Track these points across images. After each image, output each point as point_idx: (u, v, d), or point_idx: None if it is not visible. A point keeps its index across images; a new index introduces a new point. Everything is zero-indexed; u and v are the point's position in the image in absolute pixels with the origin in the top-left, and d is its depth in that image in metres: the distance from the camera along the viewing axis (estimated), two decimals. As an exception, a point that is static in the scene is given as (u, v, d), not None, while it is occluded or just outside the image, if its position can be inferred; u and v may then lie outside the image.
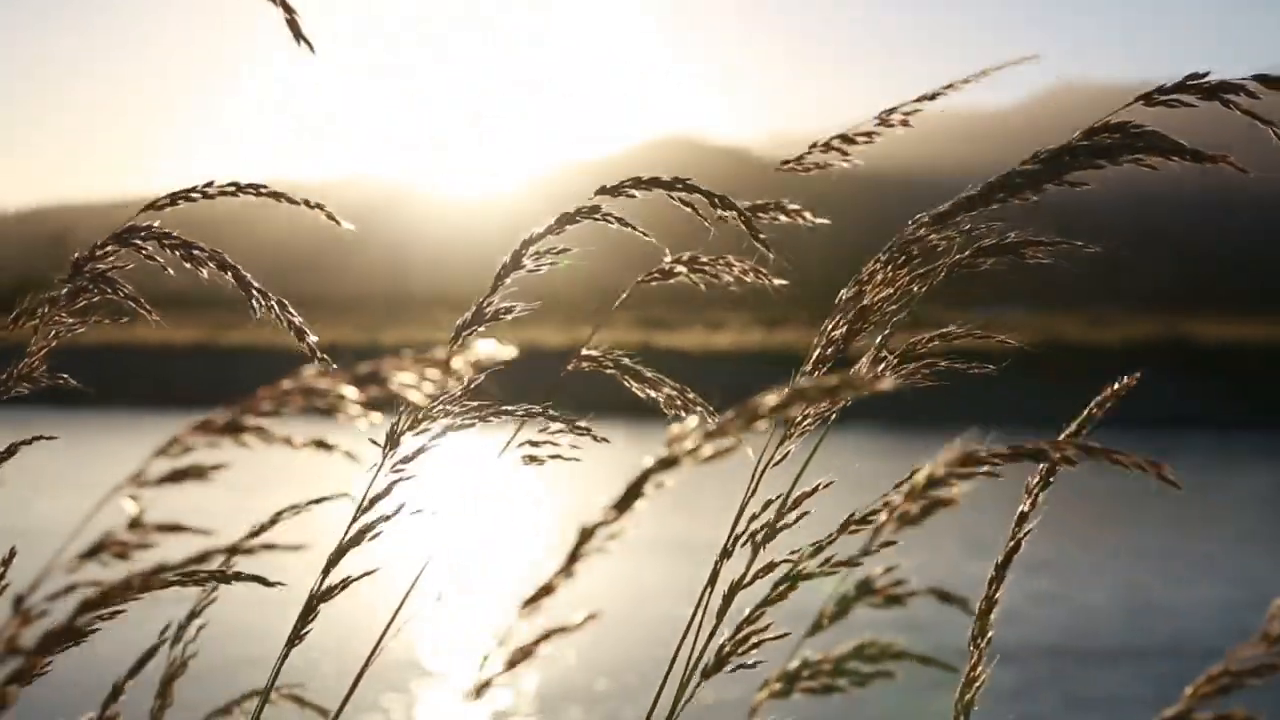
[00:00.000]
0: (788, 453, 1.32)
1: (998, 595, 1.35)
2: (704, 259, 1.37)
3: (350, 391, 0.76)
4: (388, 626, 1.31)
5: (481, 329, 1.38)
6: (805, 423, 1.31)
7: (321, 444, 0.78)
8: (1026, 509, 1.35)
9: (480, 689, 0.74)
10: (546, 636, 0.75)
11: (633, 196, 1.34)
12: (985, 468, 0.98)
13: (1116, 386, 1.35)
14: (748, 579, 1.27)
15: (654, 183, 1.33)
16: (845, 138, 1.30)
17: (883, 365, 1.33)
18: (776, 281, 1.36)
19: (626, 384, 1.41)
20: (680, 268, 1.37)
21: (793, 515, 1.29)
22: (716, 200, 1.33)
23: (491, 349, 0.78)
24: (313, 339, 1.41)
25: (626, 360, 1.40)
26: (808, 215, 1.35)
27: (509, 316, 1.38)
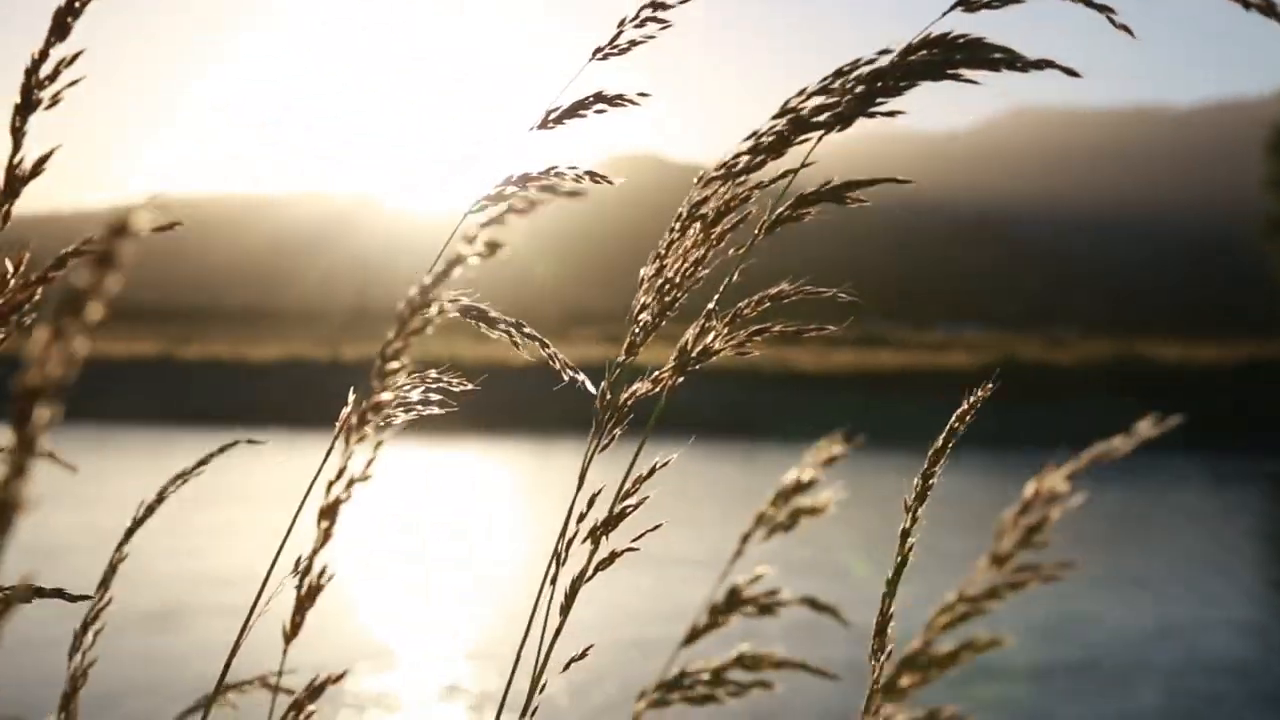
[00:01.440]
0: (613, 437, 1.16)
1: (891, 610, 1.24)
2: (534, 173, 1.20)
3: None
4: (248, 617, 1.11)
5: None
6: (624, 422, 1.15)
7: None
8: (908, 525, 1.23)
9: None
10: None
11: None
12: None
13: (973, 399, 1.23)
14: (590, 573, 1.15)
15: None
16: (658, 1, 1.16)
17: (712, 335, 1.16)
18: (616, 180, 1.20)
19: (472, 325, 1.23)
20: (511, 188, 1.20)
21: (633, 499, 1.14)
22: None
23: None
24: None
25: (466, 300, 1.22)
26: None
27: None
